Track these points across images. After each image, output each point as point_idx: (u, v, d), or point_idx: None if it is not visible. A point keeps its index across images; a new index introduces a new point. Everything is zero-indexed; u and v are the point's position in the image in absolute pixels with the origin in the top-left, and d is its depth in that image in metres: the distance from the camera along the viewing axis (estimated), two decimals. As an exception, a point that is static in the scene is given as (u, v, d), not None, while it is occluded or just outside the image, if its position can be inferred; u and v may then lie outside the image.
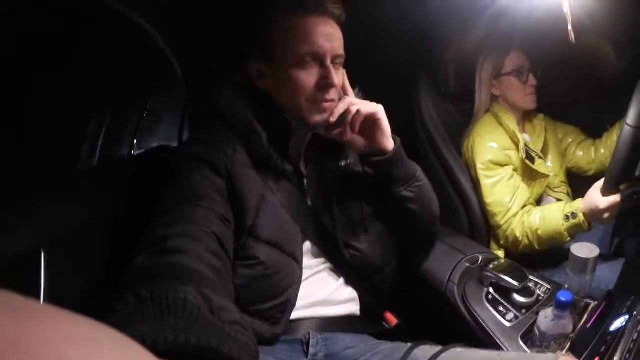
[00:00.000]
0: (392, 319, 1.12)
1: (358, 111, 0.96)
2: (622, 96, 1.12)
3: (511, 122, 1.49)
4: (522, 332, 0.99)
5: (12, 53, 0.88)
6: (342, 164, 1.08)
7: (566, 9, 1.11)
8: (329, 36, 0.92)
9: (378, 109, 0.99)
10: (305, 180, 1.04)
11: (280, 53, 0.92)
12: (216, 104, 0.99)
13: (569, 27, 1.15)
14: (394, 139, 1.04)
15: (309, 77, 0.92)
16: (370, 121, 0.99)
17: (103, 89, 1.07)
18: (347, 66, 1.00)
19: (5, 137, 0.88)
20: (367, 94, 1.10)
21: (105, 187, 1.02)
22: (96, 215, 0.97)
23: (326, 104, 0.95)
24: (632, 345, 0.85)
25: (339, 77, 0.96)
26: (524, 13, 1.33)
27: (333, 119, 0.95)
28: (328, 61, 0.92)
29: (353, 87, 1.08)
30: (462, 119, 1.62)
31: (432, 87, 1.60)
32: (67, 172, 0.97)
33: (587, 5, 1.18)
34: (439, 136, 1.56)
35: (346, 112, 0.96)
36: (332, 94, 0.95)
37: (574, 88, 1.58)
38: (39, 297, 0.81)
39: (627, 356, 0.83)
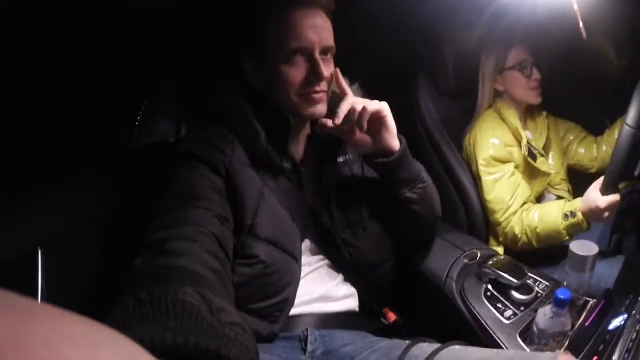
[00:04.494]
0: (390, 316, 1.12)
1: (364, 108, 0.95)
2: (622, 94, 1.12)
3: (514, 118, 1.49)
4: (520, 329, 0.99)
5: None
6: (340, 160, 1.07)
7: (576, 7, 1.11)
8: (318, 28, 0.91)
9: (383, 106, 0.97)
10: (304, 178, 1.04)
11: (270, 49, 0.91)
12: (214, 101, 0.98)
13: (580, 24, 1.14)
14: (399, 138, 1.02)
15: (297, 72, 0.91)
16: (376, 119, 0.98)
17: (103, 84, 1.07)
18: (346, 62, 0.99)
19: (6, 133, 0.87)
20: (366, 90, 1.09)
21: (104, 184, 1.01)
22: (95, 213, 0.97)
23: (316, 95, 0.94)
24: (630, 344, 0.85)
25: (329, 68, 0.94)
26: (526, 10, 1.33)
27: (338, 121, 0.93)
28: (316, 54, 0.91)
29: (352, 82, 1.07)
30: (461, 115, 1.61)
31: (431, 83, 1.59)
32: (65, 169, 0.96)
33: (588, 4, 1.17)
34: (438, 132, 1.55)
35: (351, 111, 0.95)
36: (322, 86, 0.94)
37: (575, 85, 1.58)
38: (36, 297, 0.81)
39: (626, 355, 0.83)
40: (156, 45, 1.10)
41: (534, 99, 1.51)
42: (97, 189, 1.00)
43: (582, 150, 1.66)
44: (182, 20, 1.12)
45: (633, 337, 0.87)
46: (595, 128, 1.66)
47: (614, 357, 0.83)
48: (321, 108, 0.95)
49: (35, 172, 0.88)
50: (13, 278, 0.80)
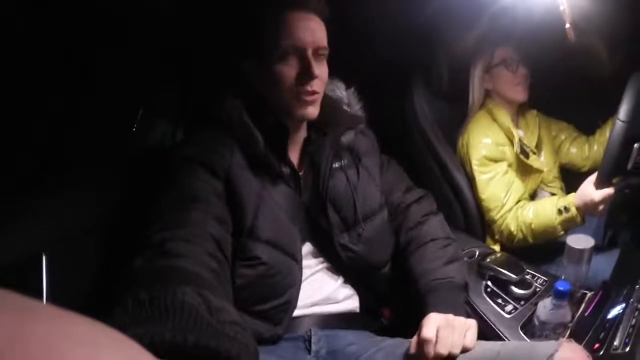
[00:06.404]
0: (392, 315, 1.12)
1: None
2: (613, 94, 1.14)
3: (505, 118, 1.51)
4: (521, 322, 1.01)
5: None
6: (336, 165, 1.07)
7: (563, 7, 1.12)
8: (311, 29, 0.92)
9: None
10: (302, 182, 1.03)
11: (266, 49, 0.92)
12: (213, 106, 0.98)
13: (567, 25, 1.16)
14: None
15: (290, 70, 0.91)
16: None
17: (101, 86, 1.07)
18: (342, 65, 1.00)
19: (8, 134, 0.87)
20: (361, 93, 1.10)
21: (105, 186, 1.01)
22: (96, 215, 0.97)
23: (308, 97, 0.93)
24: (630, 330, 0.87)
25: (322, 69, 0.95)
26: (520, 13, 1.34)
27: None
28: (309, 53, 0.91)
29: (348, 87, 1.08)
30: (455, 117, 1.63)
31: (426, 85, 1.61)
32: (65, 170, 0.96)
33: (581, 5, 1.19)
34: (433, 133, 1.57)
35: None
36: (315, 86, 0.93)
37: (568, 86, 1.60)
38: (41, 298, 0.81)
39: (627, 340, 0.85)
40: (156, 47, 1.10)
41: (520, 95, 1.52)
42: (98, 189, 1.00)
43: (574, 150, 1.68)
44: (181, 22, 1.13)
45: (632, 323, 0.89)
46: (587, 127, 1.68)
47: (615, 343, 0.85)
48: (313, 110, 0.95)
49: (36, 173, 0.88)
50: (17, 280, 0.80)
